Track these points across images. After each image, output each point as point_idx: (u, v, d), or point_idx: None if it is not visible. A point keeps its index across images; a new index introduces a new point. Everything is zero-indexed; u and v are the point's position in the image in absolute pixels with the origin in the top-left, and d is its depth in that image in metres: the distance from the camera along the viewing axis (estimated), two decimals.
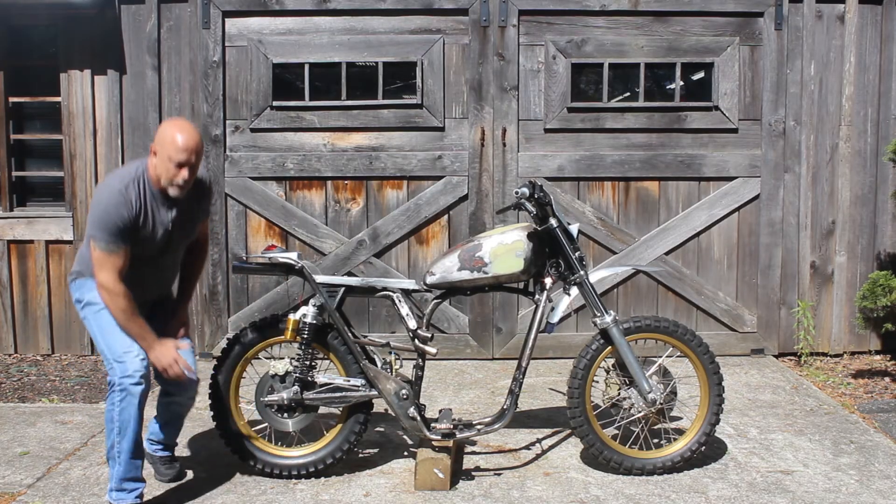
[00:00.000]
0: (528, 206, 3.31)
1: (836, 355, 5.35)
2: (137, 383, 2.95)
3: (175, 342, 3.10)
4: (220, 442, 3.50)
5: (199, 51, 5.16)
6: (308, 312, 3.31)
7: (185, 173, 2.96)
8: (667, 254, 5.27)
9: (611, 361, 3.41)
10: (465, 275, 3.29)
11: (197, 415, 4.19)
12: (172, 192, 3.00)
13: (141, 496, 3.05)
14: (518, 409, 3.59)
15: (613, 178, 5.26)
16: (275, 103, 5.18)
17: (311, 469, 3.35)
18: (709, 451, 3.53)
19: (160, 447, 3.40)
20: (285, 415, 3.36)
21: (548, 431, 3.92)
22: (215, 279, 5.25)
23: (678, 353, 3.42)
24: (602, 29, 5.18)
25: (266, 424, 3.42)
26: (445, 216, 5.27)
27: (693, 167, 5.23)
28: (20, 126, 5.40)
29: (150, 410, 3.36)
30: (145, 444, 3.36)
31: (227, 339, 3.45)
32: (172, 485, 3.33)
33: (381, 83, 5.16)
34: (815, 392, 4.56)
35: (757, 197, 5.25)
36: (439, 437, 3.30)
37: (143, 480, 3.07)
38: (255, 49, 5.16)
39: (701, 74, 5.32)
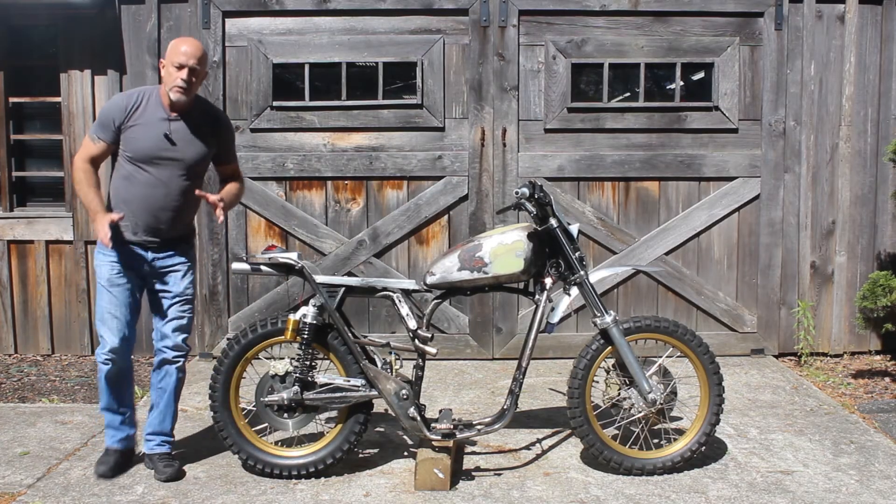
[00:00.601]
0: (528, 206, 3.31)
1: (837, 355, 5.35)
2: (104, 363, 3.36)
3: (112, 217, 3.21)
4: (220, 442, 3.50)
5: None
6: (308, 312, 3.31)
7: (183, 74, 3.18)
8: (667, 254, 5.27)
9: (611, 361, 3.41)
10: (466, 275, 3.29)
11: (197, 415, 4.20)
12: (173, 95, 3.21)
13: (119, 441, 3.47)
14: (518, 410, 3.58)
15: (613, 179, 5.26)
16: (275, 103, 5.18)
17: (311, 469, 3.35)
18: (709, 451, 3.53)
19: (157, 440, 3.45)
20: (285, 415, 3.36)
21: (548, 431, 3.92)
22: (215, 279, 5.25)
23: (678, 354, 3.42)
24: (602, 29, 5.18)
25: (266, 424, 3.42)
26: (445, 216, 5.27)
27: (693, 167, 5.23)
28: (20, 126, 5.40)
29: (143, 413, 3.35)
30: (144, 446, 3.48)
31: (227, 339, 3.46)
32: (172, 485, 3.33)
33: (381, 83, 5.16)
34: (816, 392, 4.56)
35: (757, 197, 5.25)
36: (439, 438, 3.30)
37: (118, 430, 3.47)
38: (255, 49, 5.16)
39: (701, 74, 5.32)
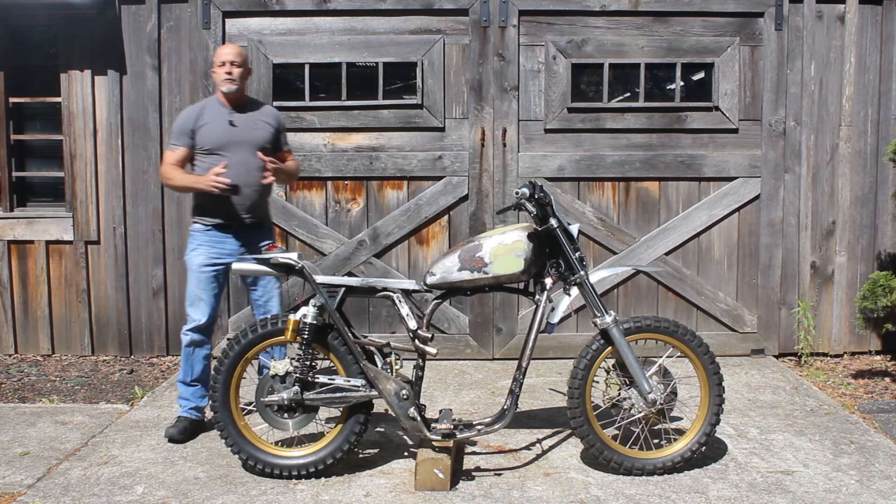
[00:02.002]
0: (529, 206, 3.30)
1: (837, 355, 5.35)
2: (187, 339, 3.87)
3: (216, 169, 3.71)
4: (220, 442, 3.50)
5: (199, 51, 5.16)
6: (308, 313, 3.31)
7: (226, 68, 3.79)
8: (667, 254, 5.27)
9: (611, 362, 3.41)
10: (466, 275, 3.29)
11: None
12: (224, 87, 3.82)
13: (189, 411, 3.92)
14: (518, 410, 3.59)
15: (613, 179, 5.26)
16: (275, 103, 5.16)
17: (312, 469, 3.35)
18: (709, 451, 3.53)
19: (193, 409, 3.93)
20: (285, 415, 3.36)
21: (548, 431, 3.92)
22: None
23: (678, 354, 3.42)
24: (602, 29, 5.18)
25: (266, 424, 3.42)
26: (446, 216, 5.27)
27: (693, 167, 5.23)
28: (20, 126, 5.40)
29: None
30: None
31: (227, 339, 3.46)
32: (172, 485, 3.33)
33: (381, 83, 5.16)
34: (816, 392, 4.56)
35: (757, 197, 5.25)
36: (439, 438, 3.29)
37: (188, 400, 3.93)
38: (255, 49, 5.16)
39: (701, 75, 5.32)
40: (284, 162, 4.01)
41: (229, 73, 3.80)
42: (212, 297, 3.85)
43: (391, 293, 3.36)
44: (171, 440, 3.78)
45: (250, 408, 3.47)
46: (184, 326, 3.88)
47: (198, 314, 3.83)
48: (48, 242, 5.33)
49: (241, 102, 3.89)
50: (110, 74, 5.21)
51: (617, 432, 3.47)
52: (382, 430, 3.95)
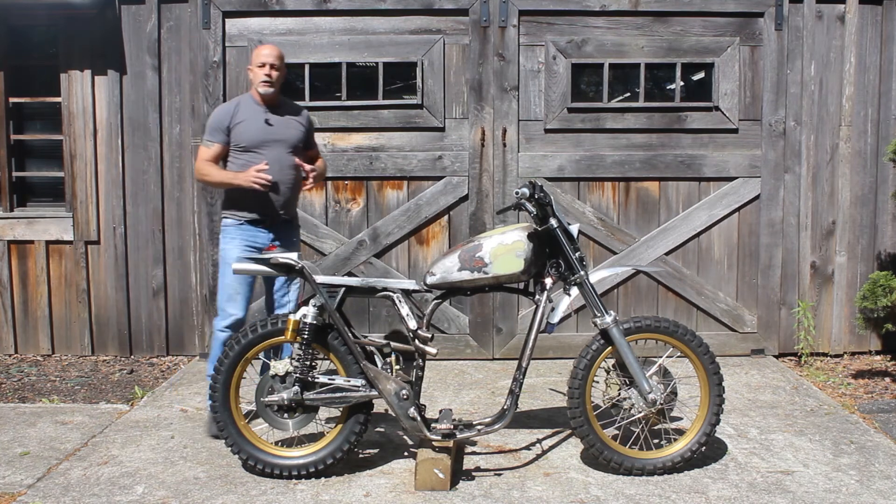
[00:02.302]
0: (529, 206, 3.30)
1: (837, 355, 5.35)
2: (221, 333, 3.88)
3: (259, 166, 3.80)
4: (220, 442, 3.50)
5: (199, 51, 5.16)
6: (308, 313, 3.31)
7: (265, 70, 3.84)
8: (667, 254, 5.27)
9: (611, 362, 3.41)
10: (466, 275, 3.29)
11: (197, 415, 4.20)
12: (261, 89, 3.87)
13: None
14: (518, 410, 3.59)
15: (613, 179, 5.26)
16: None
17: (312, 469, 3.35)
18: (709, 451, 3.53)
19: None
20: (285, 415, 3.36)
21: (548, 432, 3.92)
22: (215, 279, 5.24)
23: (678, 354, 3.42)
24: (602, 29, 5.18)
25: (266, 424, 3.42)
26: (446, 216, 5.27)
27: (693, 167, 5.23)
28: (20, 126, 5.40)
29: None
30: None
31: (228, 339, 3.46)
32: (172, 485, 3.33)
33: (381, 83, 5.16)
34: (816, 392, 4.56)
35: (757, 197, 5.25)
36: (439, 438, 3.29)
37: None
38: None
39: (701, 75, 5.32)
40: (314, 162, 4.09)
41: (268, 76, 3.86)
42: (248, 291, 3.92)
43: (391, 293, 3.36)
44: (214, 437, 3.76)
45: (250, 407, 3.47)
46: (217, 322, 3.91)
47: (235, 309, 3.87)
48: (48, 242, 5.33)
49: (275, 102, 3.95)
50: (110, 74, 5.21)
51: (617, 432, 3.47)
52: (382, 430, 3.95)
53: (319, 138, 5.20)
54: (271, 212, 3.89)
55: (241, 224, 3.90)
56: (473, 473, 3.42)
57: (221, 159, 3.95)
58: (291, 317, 3.30)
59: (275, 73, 3.88)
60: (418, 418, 3.31)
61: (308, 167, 3.90)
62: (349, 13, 5.17)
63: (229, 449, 3.41)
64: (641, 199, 5.29)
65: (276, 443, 3.50)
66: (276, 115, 3.94)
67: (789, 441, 3.79)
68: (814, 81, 5.22)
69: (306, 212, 5.26)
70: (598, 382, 3.44)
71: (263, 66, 3.85)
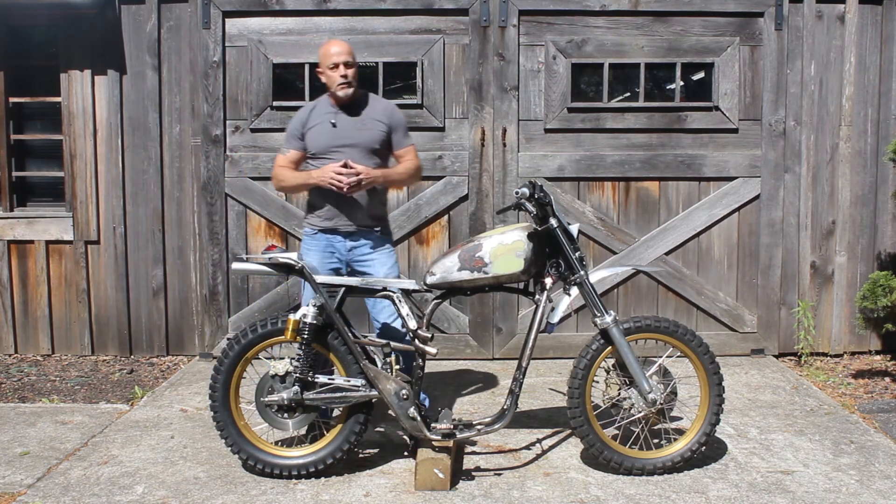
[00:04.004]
0: (529, 206, 3.30)
1: (837, 355, 5.35)
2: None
3: (332, 164, 3.56)
4: (220, 442, 3.50)
5: (199, 51, 5.16)
6: (308, 312, 3.31)
7: (340, 71, 3.58)
8: (667, 254, 5.27)
9: (611, 361, 3.41)
10: (466, 275, 3.29)
11: (197, 415, 4.20)
12: (340, 93, 3.61)
13: None
14: (518, 409, 3.58)
15: (613, 179, 5.26)
16: (275, 103, 5.18)
17: (312, 469, 3.35)
18: (709, 451, 3.53)
19: None
20: (285, 415, 3.36)
21: (548, 431, 3.92)
22: (215, 279, 5.24)
23: (678, 353, 3.42)
24: (602, 29, 5.18)
25: (266, 424, 3.42)
26: (445, 216, 5.27)
27: (693, 167, 5.23)
28: (20, 126, 5.40)
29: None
30: None
31: (227, 339, 3.46)
32: (172, 485, 3.33)
33: (381, 83, 5.15)
34: (816, 392, 4.56)
35: (757, 197, 5.25)
36: (439, 438, 3.29)
37: None
38: (255, 49, 5.16)
39: (701, 74, 5.32)
40: (399, 163, 3.79)
41: (345, 77, 3.59)
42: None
43: (391, 293, 3.36)
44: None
45: (250, 408, 3.47)
46: None
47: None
48: (48, 242, 5.33)
49: (351, 101, 3.67)
50: (110, 74, 5.21)
51: (617, 432, 3.47)
52: (382, 430, 3.95)
53: None
54: (343, 220, 3.66)
55: (316, 234, 3.71)
56: (473, 473, 3.42)
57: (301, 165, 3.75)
58: (291, 317, 3.30)
59: (350, 72, 3.61)
60: (418, 418, 3.31)
61: (363, 169, 3.53)
62: (349, 13, 5.17)
63: (229, 449, 3.41)
64: (641, 199, 5.28)
65: (276, 442, 3.50)
66: (351, 117, 3.66)
67: (789, 441, 3.79)
68: (814, 81, 5.22)
69: None
70: (598, 382, 3.44)
71: (336, 66, 3.59)
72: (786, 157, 5.23)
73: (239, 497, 3.22)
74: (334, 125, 3.63)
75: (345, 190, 3.51)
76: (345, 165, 3.52)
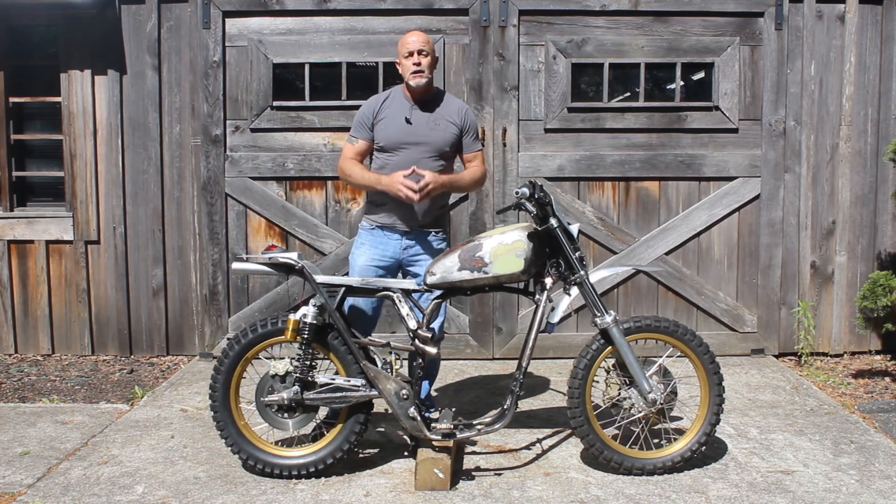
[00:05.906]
0: (529, 206, 3.30)
1: (837, 355, 5.35)
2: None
3: (402, 172, 3.46)
4: (220, 442, 3.50)
5: (199, 51, 5.16)
6: (308, 312, 3.31)
7: (414, 59, 3.49)
8: (667, 254, 5.27)
9: (611, 361, 3.41)
10: (466, 275, 3.29)
11: (197, 415, 4.20)
12: (412, 81, 3.51)
13: None
14: (518, 409, 3.58)
15: (613, 178, 5.26)
16: (275, 103, 5.18)
17: (312, 469, 3.35)
18: (709, 451, 3.53)
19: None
20: (285, 415, 3.36)
21: (548, 431, 3.92)
22: (215, 279, 5.24)
23: (678, 353, 3.42)
24: (602, 29, 5.18)
25: (266, 424, 3.42)
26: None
27: (693, 167, 5.23)
28: (20, 126, 5.40)
29: None
30: None
31: (227, 339, 3.45)
32: (172, 484, 3.33)
33: (381, 83, 5.15)
34: (816, 392, 4.56)
35: (757, 197, 5.25)
36: (439, 437, 3.29)
37: None
38: (255, 49, 5.16)
39: (701, 74, 5.32)
40: (465, 167, 3.71)
41: (418, 65, 3.49)
42: (370, 308, 3.70)
43: (391, 293, 3.36)
44: None
45: (251, 408, 3.47)
46: None
47: (365, 325, 3.66)
48: (48, 242, 5.33)
49: (426, 96, 3.59)
50: (110, 74, 5.21)
51: (617, 432, 3.47)
52: (382, 430, 3.95)
53: (319, 138, 5.22)
54: (403, 220, 3.59)
55: (373, 228, 3.64)
56: (473, 473, 3.42)
57: (368, 156, 3.65)
58: (291, 316, 3.30)
59: (425, 60, 3.49)
60: (418, 418, 3.31)
61: (428, 178, 3.42)
62: (349, 13, 5.17)
63: (229, 449, 3.41)
64: (641, 199, 5.28)
65: (276, 442, 3.50)
66: (425, 113, 3.56)
67: (789, 441, 3.79)
68: (814, 81, 5.22)
69: (306, 211, 5.26)
70: (598, 382, 3.44)
71: (411, 55, 3.48)
72: (786, 157, 5.23)
73: (239, 497, 3.22)
74: (409, 121, 3.54)
75: (414, 201, 3.44)
76: (412, 171, 3.44)
